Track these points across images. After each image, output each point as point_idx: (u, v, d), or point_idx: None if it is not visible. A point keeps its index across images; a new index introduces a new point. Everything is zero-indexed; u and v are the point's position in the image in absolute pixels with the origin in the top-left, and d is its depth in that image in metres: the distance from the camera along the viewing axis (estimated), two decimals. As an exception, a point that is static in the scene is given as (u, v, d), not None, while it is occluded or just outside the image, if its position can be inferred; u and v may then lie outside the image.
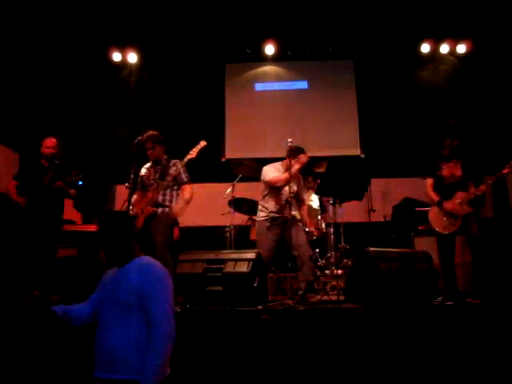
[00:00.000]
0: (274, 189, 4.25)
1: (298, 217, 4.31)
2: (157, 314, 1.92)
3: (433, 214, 4.16)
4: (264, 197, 4.33)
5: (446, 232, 4.05)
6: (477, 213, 4.08)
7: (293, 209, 4.10)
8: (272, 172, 4.28)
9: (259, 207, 4.40)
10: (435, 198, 4.16)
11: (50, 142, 4.61)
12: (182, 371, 2.93)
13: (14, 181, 4.51)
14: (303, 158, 4.22)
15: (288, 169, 4.14)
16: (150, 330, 1.91)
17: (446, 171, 4.17)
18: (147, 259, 2.11)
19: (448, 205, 4.05)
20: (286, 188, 4.17)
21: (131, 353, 1.91)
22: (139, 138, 3.99)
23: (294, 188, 4.18)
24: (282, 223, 4.17)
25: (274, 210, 4.21)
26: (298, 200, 4.39)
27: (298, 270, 4.05)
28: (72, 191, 4.58)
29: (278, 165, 4.38)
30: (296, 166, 4.15)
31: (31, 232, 4.30)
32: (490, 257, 4.04)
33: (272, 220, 4.18)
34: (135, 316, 1.95)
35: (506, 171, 4.03)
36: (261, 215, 4.30)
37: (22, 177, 4.55)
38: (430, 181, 4.26)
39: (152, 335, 1.90)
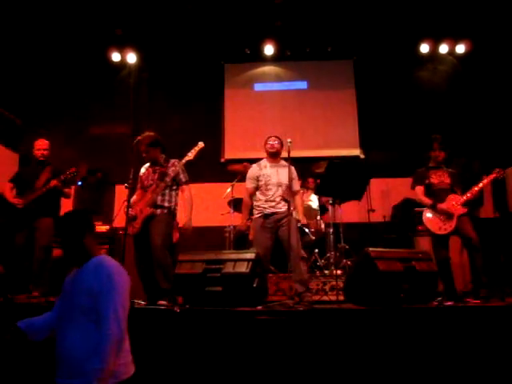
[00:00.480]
0: (259, 186, 4.21)
1: (295, 215, 4.19)
2: (105, 315, 1.81)
3: (427, 215, 4.17)
4: (255, 195, 4.29)
5: (442, 232, 4.05)
6: (471, 214, 4.09)
7: (285, 203, 4.06)
8: (250, 181, 4.25)
9: (253, 206, 4.37)
10: (428, 201, 4.18)
11: (41, 144, 4.58)
12: (182, 371, 2.95)
13: (10, 183, 4.51)
14: (268, 139, 4.32)
15: (271, 154, 4.26)
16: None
17: (434, 179, 4.23)
18: (102, 258, 2.00)
19: (442, 205, 4.08)
20: (274, 181, 4.15)
21: (86, 357, 1.79)
22: (138, 138, 4.00)
23: (282, 181, 4.14)
24: (276, 220, 4.09)
25: (266, 205, 4.14)
26: (290, 191, 4.26)
27: (292, 270, 4.00)
28: (67, 190, 4.54)
29: (263, 162, 4.33)
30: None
31: (28, 232, 4.29)
32: (487, 257, 4.04)
33: (265, 217, 4.10)
34: (91, 320, 1.85)
35: (492, 176, 4.08)
36: (255, 213, 4.24)
37: (18, 179, 4.54)
38: (420, 189, 4.28)
39: (99, 338, 1.80)
